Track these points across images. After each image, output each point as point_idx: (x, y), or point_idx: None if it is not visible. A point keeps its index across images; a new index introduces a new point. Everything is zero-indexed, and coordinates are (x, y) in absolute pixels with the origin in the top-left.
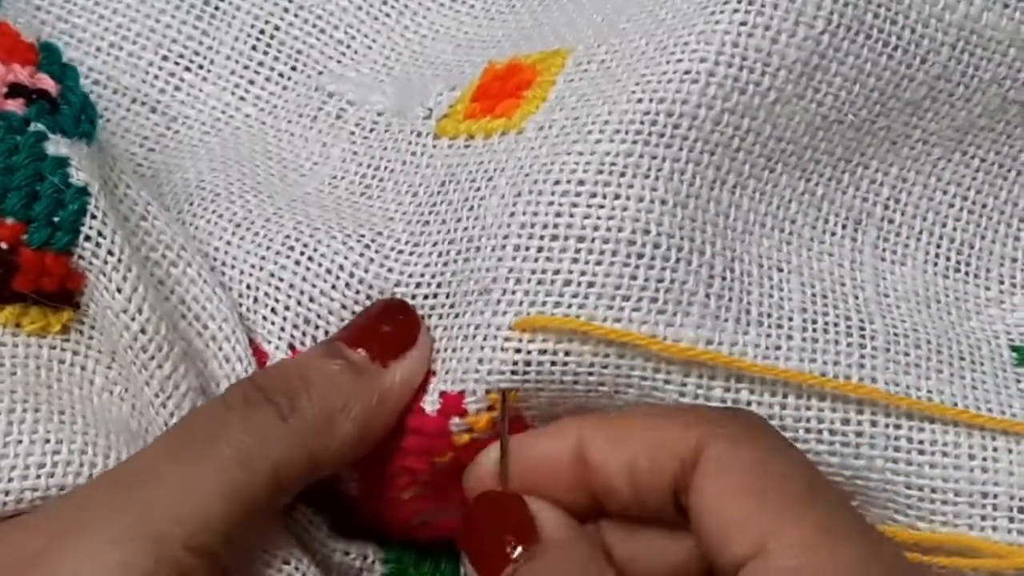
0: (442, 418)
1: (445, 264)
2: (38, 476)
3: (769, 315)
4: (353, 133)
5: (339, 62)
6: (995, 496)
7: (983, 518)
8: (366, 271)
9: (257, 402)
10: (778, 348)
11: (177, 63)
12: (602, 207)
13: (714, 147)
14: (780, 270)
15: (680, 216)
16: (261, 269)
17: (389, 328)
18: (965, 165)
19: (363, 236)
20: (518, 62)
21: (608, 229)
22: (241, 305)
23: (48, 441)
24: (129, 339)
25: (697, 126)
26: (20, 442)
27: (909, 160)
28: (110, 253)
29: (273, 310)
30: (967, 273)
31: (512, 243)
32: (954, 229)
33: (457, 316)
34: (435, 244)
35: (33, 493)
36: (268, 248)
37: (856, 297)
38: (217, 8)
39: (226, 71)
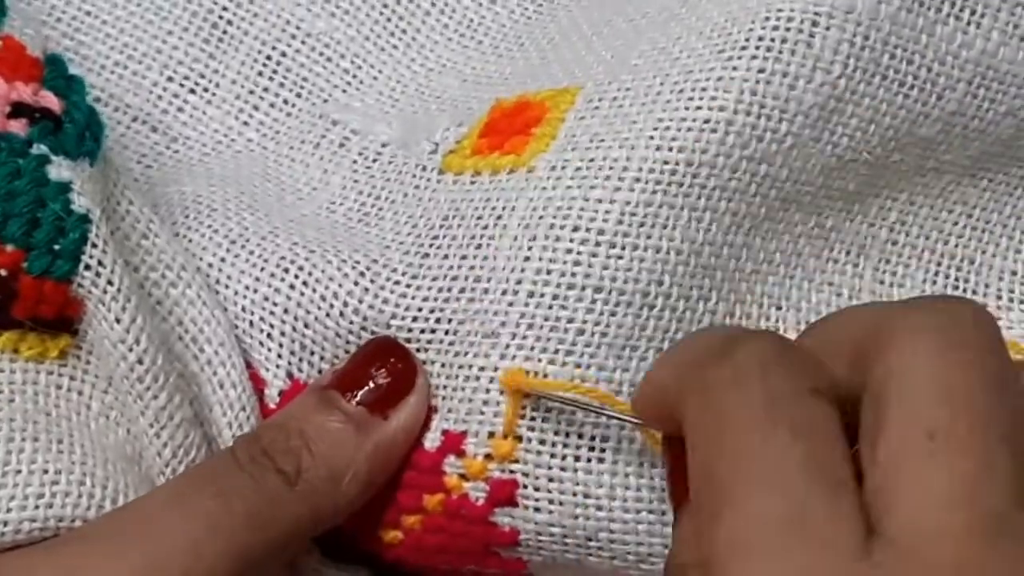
0: (438, 455)
1: (446, 301)
2: (36, 507)
3: None
4: (355, 162)
5: (344, 91)
6: None
7: None
8: (360, 301)
9: (266, 468)
10: None
11: (182, 84)
12: (620, 258)
13: (732, 194)
14: (779, 308)
15: (693, 264)
16: (256, 291)
17: (385, 374)
18: (972, 186)
19: (358, 263)
20: (526, 99)
21: (625, 281)
22: (237, 327)
23: (47, 471)
24: (126, 369)
25: (716, 174)
26: (19, 472)
27: (919, 187)
28: (110, 283)
29: (269, 335)
30: (965, 291)
31: (526, 289)
32: (956, 246)
33: (458, 355)
34: (435, 279)
35: (32, 524)
36: (263, 269)
37: None
38: (225, 32)
39: (231, 95)
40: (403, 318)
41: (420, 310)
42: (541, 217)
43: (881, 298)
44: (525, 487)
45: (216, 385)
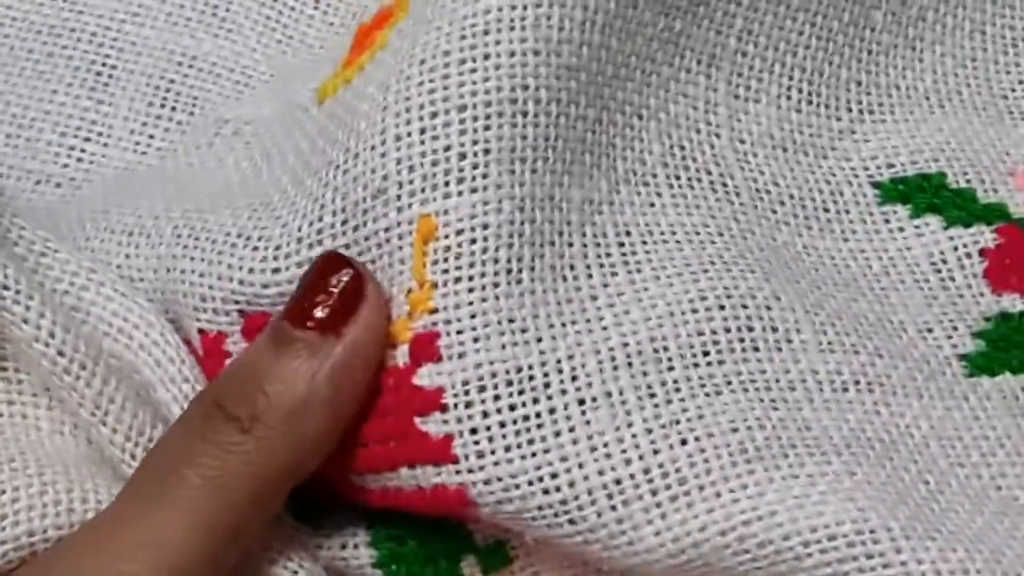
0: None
1: (356, 204)
2: (2, 528)
3: (635, 172)
4: (249, 143)
5: (238, 99)
6: None
7: None
8: (262, 272)
9: (216, 420)
10: (652, 206)
11: (76, 136)
12: (475, 71)
13: None
14: (640, 117)
15: (555, 65)
16: (167, 270)
17: (332, 292)
18: None
19: (249, 239)
20: (383, 9)
21: (487, 92)
22: (171, 308)
23: (4, 492)
24: (49, 365)
25: None
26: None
27: None
28: (4, 288)
29: (203, 297)
30: (818, 104)
31: (392, 135)
32: (804, 58)
33: (356, 229)
34: (310, 194)
35: (3, 546)
36: (161, 245)
37: (712, 146)
38: (110, 76)
39: (126, 132)
40: (298, 252)
41: (309, 233)
42: (391, 67)
43: (738, 116)
44: (448, 335)
45: (153, 365)
